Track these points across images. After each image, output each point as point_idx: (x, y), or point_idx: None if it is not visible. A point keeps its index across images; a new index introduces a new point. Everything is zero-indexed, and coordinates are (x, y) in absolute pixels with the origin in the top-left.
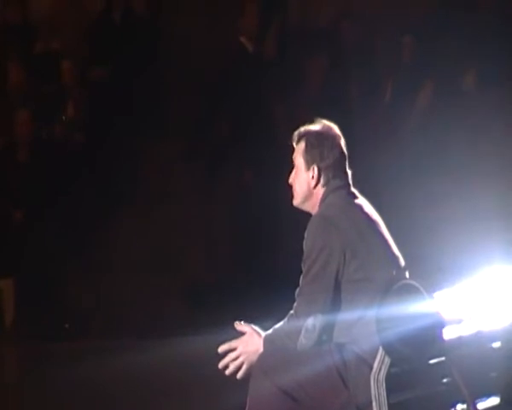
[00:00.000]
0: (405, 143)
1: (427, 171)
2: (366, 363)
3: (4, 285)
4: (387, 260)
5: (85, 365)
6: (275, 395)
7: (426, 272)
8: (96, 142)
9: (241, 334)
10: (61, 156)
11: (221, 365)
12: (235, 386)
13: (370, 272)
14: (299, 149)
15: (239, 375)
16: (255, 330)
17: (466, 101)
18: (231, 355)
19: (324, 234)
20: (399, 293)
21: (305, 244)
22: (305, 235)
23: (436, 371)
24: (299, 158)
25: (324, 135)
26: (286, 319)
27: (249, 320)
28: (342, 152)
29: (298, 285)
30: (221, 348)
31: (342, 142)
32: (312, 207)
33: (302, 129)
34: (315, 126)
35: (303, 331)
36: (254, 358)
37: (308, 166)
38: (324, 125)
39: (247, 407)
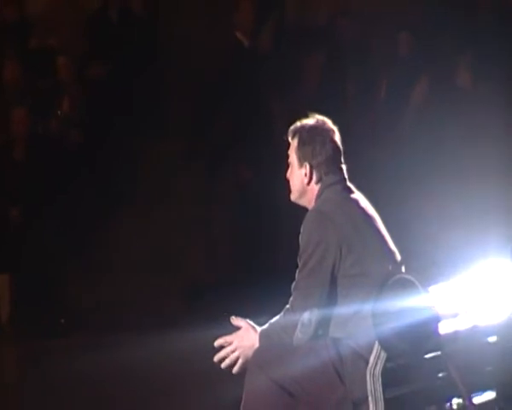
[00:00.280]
0: (402, 139)
1: (423, 166)
2: (362, 358)
3: (0, 281)
4: (383, 255)
5: (83, 361)
6: (270, 390)
7: (421, 266)
8: (94, 141)
9: (238, 329)
10: (57, 154)
11: (216, 358)
12: (231, 381)
13: (366, 266)
14: (293, 145)
15: (234, 369)
16: (251, 325)
17: (462, 97)
18: (227, 350)
19: (320, 229)
20: (395, 287)
21: (301, 239)
22: (301, 230)
23: (432, 366)
24: (292, 155)
25: (317, 130)
26: (282, 314)
27: (248, 318)
28: (336, 147)
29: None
30: (217, 342)
31: (336, 136)
32: (308, 202)
33: (296, 125)
34: (309, 121)
35: (299, 326)
36: (250, 352)
37: (300, 163)
38: (318, 121)
39: (242, 402)
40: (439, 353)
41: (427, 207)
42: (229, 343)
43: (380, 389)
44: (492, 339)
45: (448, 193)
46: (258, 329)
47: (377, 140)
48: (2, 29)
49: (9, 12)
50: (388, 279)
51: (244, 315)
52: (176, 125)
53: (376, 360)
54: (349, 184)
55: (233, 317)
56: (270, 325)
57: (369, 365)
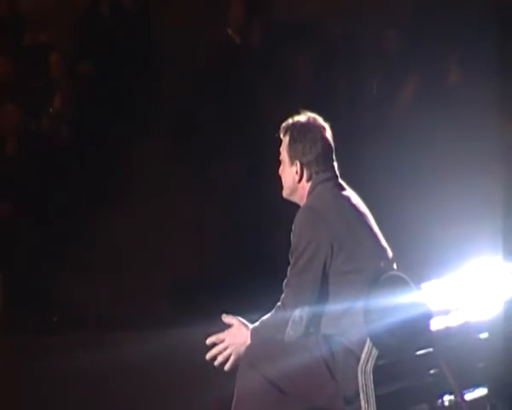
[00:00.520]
0: (392, 137)
1: (414, 165)
2: (354, 354)
3: None
4: (375, 252)
5: (76, 359)
6: (262, 386)
7: (413, 264)
8: (84, 137)
9: (229, 326)
10: (48, 150)
11: (208, 356)
12: (222, 378)
13: (358, 263)
14: (284, 142)
15: (226, 367)
16: (243, 323)
17: (452, 96)
18: (219, 347)
19: (312, 226)
20: (387, 284)
21: (293, 236)
22: (293, 227)
23: (423, 363)
24: (284, 152)
25: (308, 128)
26: (273, 311)
27: (240, 316)
28: (327, 144)
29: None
30: (209, 340)
31: (328, 133)
32: (300, 199)
33: (287, 122)
34: (300, 119)
35: (290, 323)
36: (242, 350)
37: (292, 161)
38: (309, 118)
39: (234, 398)
40: (430, 349)
41: (419, 205)
42: (221, 341)
43: (371, 385)
44: (484, 336)
45: (439, 192)
46: (250, 326)
47: (367, 138)
48: None
49: (1, 8)
50: (380, 276)
51: (236, 313)
52: (165, 123)
53: (368, 356)
54: (340, 181)
55: (224, 314)
56: (262, 322)
57: (361, 361)
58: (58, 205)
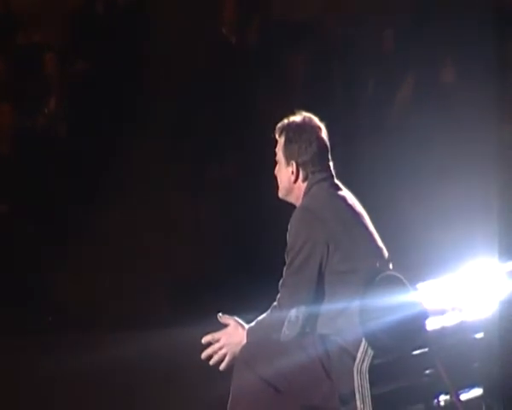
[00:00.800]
0: (389, 138)
1: (410, 166)
2: (349, 354)
3: None
4: (371, 252)
5: (76, 358)
6: (258, 386)
7: (410, 265)
8: (82, 137)
9: (225, 326)
10: (45, 150)
11: (204, 355)
12: (218, 377)
13: (354, 263)
14: (280, 143)
15: (222, 366)
16: (239, 323)
17: (451, 97)
18: (214, 346)
19: (307, 226)
20: (382, 284)
21: (289, 236)
22: (289, 227)
23: (419, 363)
24: (280, 152)
25: (303, 128)
26: (269, 311)
27: (236, 315)
28: (323, 144)
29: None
30: (204, 339)
31: (323, 133)
32: (296, 199)
33: (283, 122)
34: (295, 119)
35: (286, 323)
36: (237, 349)
37: (287, 161)
38: (305, 118)
39: (230, 398)
40: (426, 349)
41: (417, 207)
42: (217, 340)
43: (367, 385)
44: (479, 336)
45: (437, 193)
46: (246, 326)
47: (366, 139)
48: None
49: None
50: (376, 276)
51: (232, 312)
52: (162, 122)
53: (363, 356)
54: (336, 181)
55: (220, 314)
56: (258, 322)
57: (357, 361)
58: (57, 205)
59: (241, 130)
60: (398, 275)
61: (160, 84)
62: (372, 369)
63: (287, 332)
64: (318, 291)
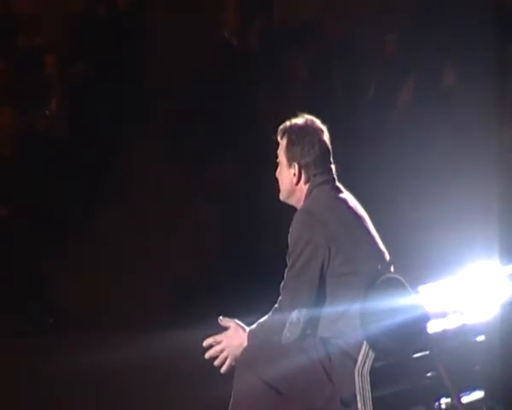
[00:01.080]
0: (390, 140)
1: (411, 168)
2: (350, 357)
3: None
4: (372, 254)
5: (76, 358)
6: (259, 388)
7: (411, 267)
8: (80, 139)
9: (226, 329)
10: (45, 151)
11: (207, 356)
12: (220, 380)
13: (355, 266)
14: (282, 145)
15: (223, 369)
16: (240, 325)
17: (452, 100)
18: (215, 349)
19: (309, 229)
20: (384, 287)
21: (290, 239)
22: (290, 229)
23: (420, 365)
24: (281, 154)
25: (306, 130)
26: (270, 313)
27: (237, 318)
28: (325, 147)
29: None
30: (206, 342)
31: (325, 136)
32: (297, 201)
33: (285, 124)
34: (298, 121)
35: (287, 325)
36: (238, 352)
37: (290, 163)
38: (307, 120)
39: (231, 401)
40: (427, 352)
41: (416, 209)
42: (218, 343)
43: (368, 388)
44: (480, 338)
45: (437, 196)
46: (247, 328)
47: (367, 141)
48: None
49: None
50: (377, 279)
51: (232, 315)
52: (162, 122)
53: (365, 359)
54: (338, 183)
55: (221, 317)
56: (259, 324)
57: (358, 364)
58: (57, 205)
59: (241, 130)
60: (400, 278)
61: (160, 84)
62: (373, 372)
63: (288, 335)
64: (319, 294)
